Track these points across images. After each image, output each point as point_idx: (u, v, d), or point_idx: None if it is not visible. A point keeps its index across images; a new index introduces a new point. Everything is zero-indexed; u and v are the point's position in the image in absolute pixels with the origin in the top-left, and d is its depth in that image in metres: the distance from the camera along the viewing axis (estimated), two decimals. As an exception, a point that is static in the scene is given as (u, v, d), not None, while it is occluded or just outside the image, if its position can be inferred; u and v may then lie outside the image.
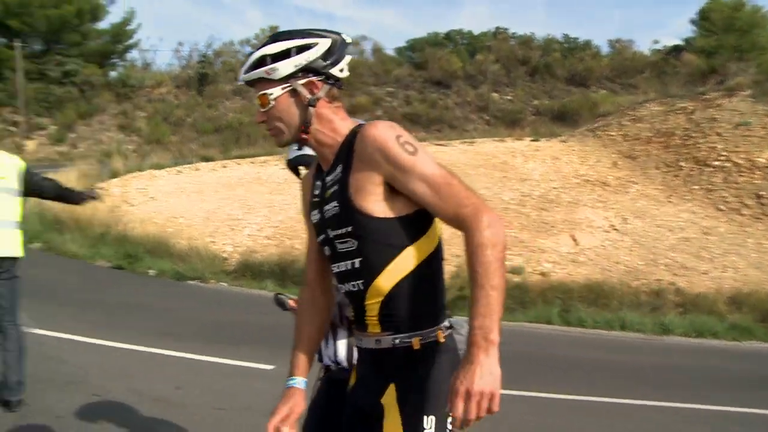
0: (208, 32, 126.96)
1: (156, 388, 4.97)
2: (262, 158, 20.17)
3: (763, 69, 19.69)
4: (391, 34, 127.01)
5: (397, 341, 1.72)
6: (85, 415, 4.24)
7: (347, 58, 1.77)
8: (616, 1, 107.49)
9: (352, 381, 1.93)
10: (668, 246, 11.76)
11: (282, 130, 1.75)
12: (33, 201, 4.56)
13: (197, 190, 15.77)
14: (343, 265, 1.77)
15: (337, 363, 2.49)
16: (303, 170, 2.75)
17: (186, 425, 4.27)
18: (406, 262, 1.69)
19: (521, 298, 9.37)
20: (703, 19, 33.52)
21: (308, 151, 1.95)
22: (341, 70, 1.75)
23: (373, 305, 1.74)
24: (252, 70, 1.73)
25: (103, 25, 37.36)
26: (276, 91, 1.71)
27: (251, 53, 1.76)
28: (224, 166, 19.13)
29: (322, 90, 1.72)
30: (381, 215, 1.67)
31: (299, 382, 1.88)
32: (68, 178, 13.45)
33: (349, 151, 1.70)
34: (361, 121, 1.80)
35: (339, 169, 1.73)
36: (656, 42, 40.10)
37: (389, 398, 1.73)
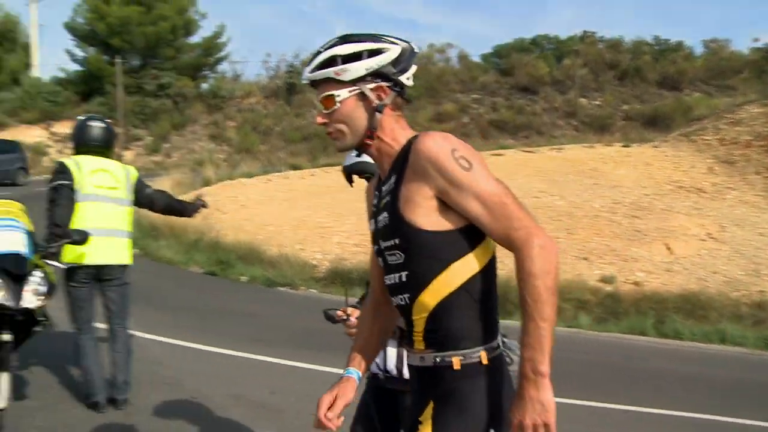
0: (295, 43, 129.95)
1: (252, 393, 5.07)
2: (350, 166, 20.31)
3: None
4: (476, 40, 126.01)
5: (438, 359, 1.68)
6: (186, 417, 4.36)
7: (414, 68, 1.74)
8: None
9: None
10: (772, 256, 11.10)
11: (344, 134, 1.71)
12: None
13: (287, 198, 16.02)
14: (392, 278, 1.75)
15: (386, 372, 2.47)
16: (356, 178, 2.77)
17: (287, 431, 4.37)
18: (453, 277, 1.64)
19: (614, 308, 9.10)
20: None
21: (367, 158, 1.90)
22: (408, 79, 1.71)
23: (418, 321, 1.71)
24: (319, 69, 1.68)
25: (195, 39, 38.72)
26: (343, 93, 1.67)
27: (318, 52, 1.70)
28: (312, 175, 19.28)
29: (389, 97, 1.69)
30: (429, 228, 1.62)
31: (352, 372, 1.91)
32: (163, 186, 13.90)
33: (404, 161, 1.66)
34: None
35: (393, 179, 1.69)
36: (756, 40, 37.76)
37: (426, 416, 1.70)
